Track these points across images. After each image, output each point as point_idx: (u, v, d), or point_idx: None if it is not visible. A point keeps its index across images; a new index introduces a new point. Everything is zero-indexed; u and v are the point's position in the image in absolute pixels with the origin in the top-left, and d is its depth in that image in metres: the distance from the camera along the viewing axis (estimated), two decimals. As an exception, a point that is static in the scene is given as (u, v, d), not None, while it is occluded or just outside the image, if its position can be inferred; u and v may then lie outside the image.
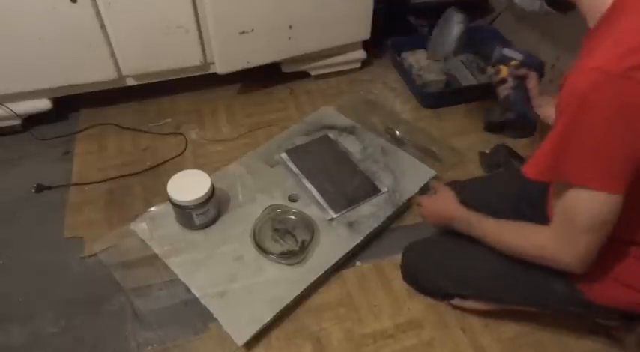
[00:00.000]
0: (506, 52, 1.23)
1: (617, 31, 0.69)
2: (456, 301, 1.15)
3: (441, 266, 1.12)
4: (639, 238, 0.84)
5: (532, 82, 1.18)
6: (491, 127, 1.44)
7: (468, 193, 1.14)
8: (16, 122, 1.60)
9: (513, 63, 1.22)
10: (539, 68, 1.23)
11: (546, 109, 1.17)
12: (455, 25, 1.40)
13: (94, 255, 1.26)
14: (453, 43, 1.41)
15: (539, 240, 0.85)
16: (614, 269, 0.87)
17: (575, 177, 0.74)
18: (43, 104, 1.58)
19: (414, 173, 1.44)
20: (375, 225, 1.30)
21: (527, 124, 1.37)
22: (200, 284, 1.16)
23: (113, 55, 1.51)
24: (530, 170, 0.79)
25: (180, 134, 1.65)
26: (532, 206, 1.06)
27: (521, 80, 1.20)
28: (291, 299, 1.14)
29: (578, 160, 0.72)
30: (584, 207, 0.75)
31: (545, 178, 0.79)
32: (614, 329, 1.11)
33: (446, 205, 1.08)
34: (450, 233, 1.10)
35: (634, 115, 0.67)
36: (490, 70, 1.27)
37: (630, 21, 0.69)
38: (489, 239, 0.96)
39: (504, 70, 1.22)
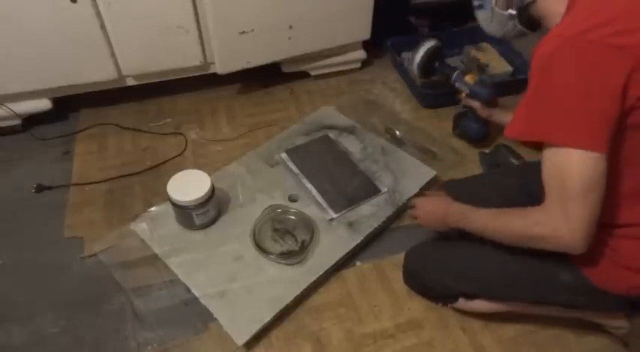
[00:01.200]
0: (458, 84, 1.44)
1: (572, 10, 0.80)
2: (461, 302, 1.14)
3: (448, 267, 1.11)
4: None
5: (479, 111, 1.42)
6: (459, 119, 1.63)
7: (466, 192, 1.14)
8: (16, 122, 1.60)
9: (462, 95, 1.44)
10: (488, 99, 1.39)
11: (499, 115, 1.37)
12: (420, 50, 1.52)
13: (94, 255, 1.26)
14: (416, 68, 1.55)
15: (532, 218, 0.84)
16: (617, 253, 0.88)
17: (546, 134, 0.79)
18: (43, 104, 1.58)
19: (414, 173, 1.44)
20: (375, 225, 1.30)
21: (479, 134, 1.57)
22: (200, 284, 1.16)
23: (113, 55, 1.51)
24: (510, 131, 0.85)
25: (180, 134, 1.65)
26: (531, 203, 1.05)
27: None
28: (291, 299, 1.14)
29: (547, 116, 0.79)
30: (566, 169, 0.77)
31: (523, 137, 0.84)
32: (615, 330, 1.11)
33: (439, 201, 1.09)
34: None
35: (590, 72, 0.74)
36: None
37: (582, 2, 0.80)
38: (484, 227, 0.95)
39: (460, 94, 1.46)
